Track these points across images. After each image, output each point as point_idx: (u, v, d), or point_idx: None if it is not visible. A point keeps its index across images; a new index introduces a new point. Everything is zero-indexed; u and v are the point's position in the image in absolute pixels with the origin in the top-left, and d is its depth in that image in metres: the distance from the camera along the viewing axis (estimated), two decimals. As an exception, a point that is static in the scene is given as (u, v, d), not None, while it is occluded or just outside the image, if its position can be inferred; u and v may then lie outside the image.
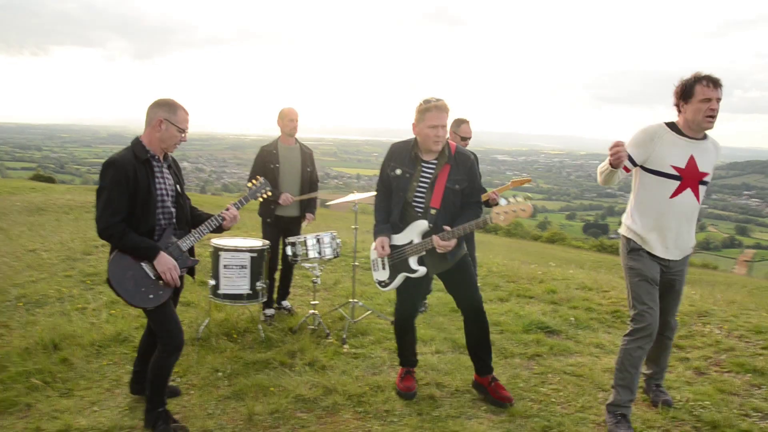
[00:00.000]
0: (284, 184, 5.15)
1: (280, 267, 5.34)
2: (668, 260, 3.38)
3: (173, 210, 3.30)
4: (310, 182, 5.30)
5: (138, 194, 3.08)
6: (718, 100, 3.18)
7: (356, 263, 5.29)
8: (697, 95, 3.18)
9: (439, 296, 5.94)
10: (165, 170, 3.27)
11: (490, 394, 3.65)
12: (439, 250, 3.49)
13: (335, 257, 4.92)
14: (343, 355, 4.40)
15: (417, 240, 3.64)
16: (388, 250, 3.68)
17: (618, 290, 6.51)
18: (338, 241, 4.92)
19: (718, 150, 3.40)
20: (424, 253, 3.63)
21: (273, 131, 5.44)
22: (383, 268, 3.84)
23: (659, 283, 3.39)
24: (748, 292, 8.71)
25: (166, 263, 3.14)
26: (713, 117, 3.19)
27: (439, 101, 3.50)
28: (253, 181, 3.72)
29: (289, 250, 4.87)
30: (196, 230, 3.37)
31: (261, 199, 3.73)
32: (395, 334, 3.99)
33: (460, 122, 5.35)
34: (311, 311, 5.01)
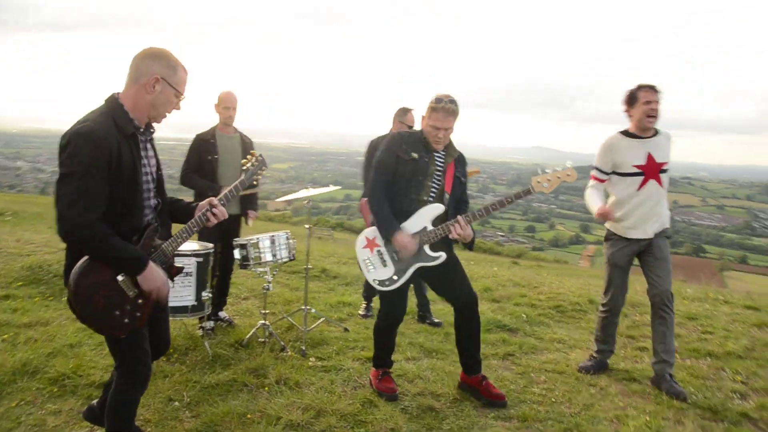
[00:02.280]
0: (224, 178, 4.52)
1: (217, 273, 4.68)
2: (640, 239, 3.84)
3: (157, 202, 2.56)
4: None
5: (121, 181, 2.28)
6: (657, 102, 3.73)
7: (309, 266, 4.78)
8: (641, 99, 3.74)
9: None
10: (149, 147, 2.51)
11: (483, 394, 3.46)
12: (456, 236, 3.27)
13: (291, 260, 4.39)
14: (311, 369, 3.90)
15: (430, 226, 3.37)
16: (416, 245, 3.36)
17: (549, 286, 6.63)
18: (293, 241, 4.40)
19: (669, 139, 3.90)
20: (437, 240, 3.35)
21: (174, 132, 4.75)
22: (384, 265, 3.45)
23: (643, 258, 3.89)
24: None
25: (154, 279, 2.38)
26: (654, 117, 3.73)
27: (450, 105, 3.32)
28: (248, 156, 2.91)
29: (237, 254, 4.25)
30: (183, 230, 2.58)
31: (256, 183, 3.02)
32: (378, 337, 3.67)
33: (405, 111, 5.10)
34: (261, 322, 4.42)
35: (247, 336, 4.33)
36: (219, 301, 4.73)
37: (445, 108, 3.31)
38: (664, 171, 3.82)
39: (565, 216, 68.53)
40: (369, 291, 5.35)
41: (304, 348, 4.22)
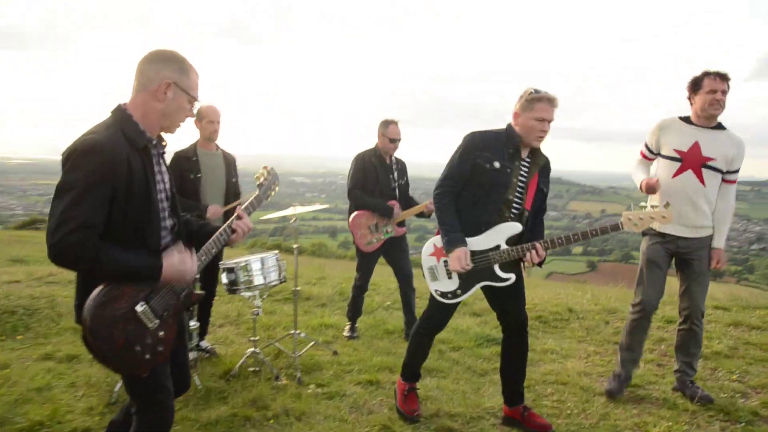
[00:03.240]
0: (207, 198, 4.25)
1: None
2: (675, 237, 3.61)
3: (173, 222, 2.30)
4: (234, 195, 4.45)
5: (134, 200, 2.05)
6: (724, 92, 3.50)
7: (298, 288, 4.56)
8: (705, 87, 3.51)
9: (363, 319, 5.40)
10: (162, 162, 2.27)
11: (527, 425, 3.25)
12: (533, 261, 3.06)
13: (282, 282, 4.15)
14: (313, 398, 3.68)
15: (504, 245, 3.12)
16: (470, 264, 3.08)
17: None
18: (283, 263, 4.17)
19: (735, 144, 3.59)
20: (511, 260, 3.13)
21: (44, 153, 4.41)
22: (448, 278, 3.23)
23: (681, 264, 3.72)
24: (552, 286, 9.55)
25: (179, 266, 2.11)
26: (718, 106, 3.51)
27: (547, 92, 3.08)
28: (262, 170, 2.71)
29: (225, 278, 3.98)
30: (205, 248, 2.36)
31: (271, 195, 2.81)
32: (415, 344, 3.50)
33: (386, 123, 4.96)
34: (251, 350, 4.15)
35: (237, 365, 4.05)
36: (201, 330, 4.41)
37: (549, 98, 3.05)
38: (710, 167, 3.53)
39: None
40: (354, 311, 5.17)
41: (299, 375, 3.99)
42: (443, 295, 3.27)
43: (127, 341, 2.06)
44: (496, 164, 3.11)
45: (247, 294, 4.05)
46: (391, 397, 3.66)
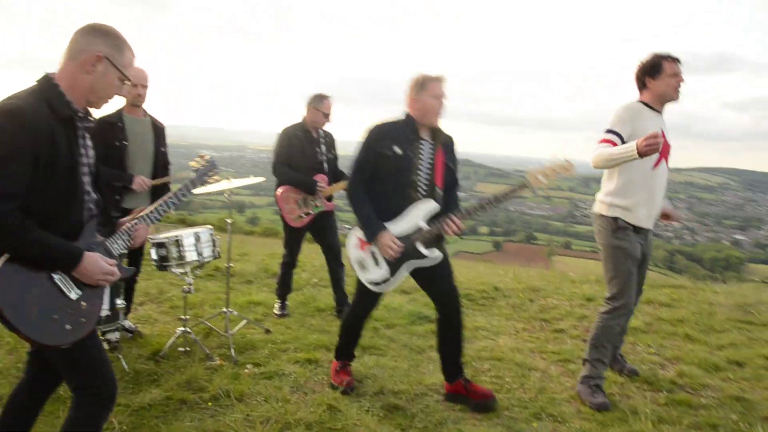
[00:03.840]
0: (134, 167, 3.93)
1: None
2: (646, 230, 3.49)
3: (98, 197, 2.17)
4: (163, 166, 4.14)
5: (57, 172, 1.92)
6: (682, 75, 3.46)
7: (231, 264, 4.35)
8: (666, 70, 3.40)
9: (291, 296, 5.27)
10: (87, 137, 2.12)
11: (471, 397, 3.29)
12: (449, 233, 3.13)
13: (215, 258, 3.94)
14: (251, 378, 3.53)
15: (424, 224, 3.19)
16: (399, 245, 3.16)
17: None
18: (218, 238, 3.95)
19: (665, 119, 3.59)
20: (433, 237, 3.19)
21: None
22: (376, 265, 3.27)
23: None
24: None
25: (95, 271, 2.01)
26: (679, 88, 3.44)
27: (441, 74, 3.25)
28: (197, 159, 2.66)
29: (154, 253, 3.72)
30: (125, 228, 2.26)
31: (206, 183, 2.70)
32: (348, 327, 3.56)
33: (321, 98, 4.83)
34: (180, 329, 3.92)
35: (167, 345, 3.82)
36: (125, 309, 4.11)
37: (439, 77, 3.24)
38: (669, 151, 3.50)
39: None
40: (284, 288, 5.03)
41: (234, 354, 3.83)
42: (375, 284, 3.33)
43: (43, 310, 1.92)
44: (397, 150, 3.23)
45: (179, 271, 3.82)
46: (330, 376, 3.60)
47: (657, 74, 3.43)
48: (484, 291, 6.03)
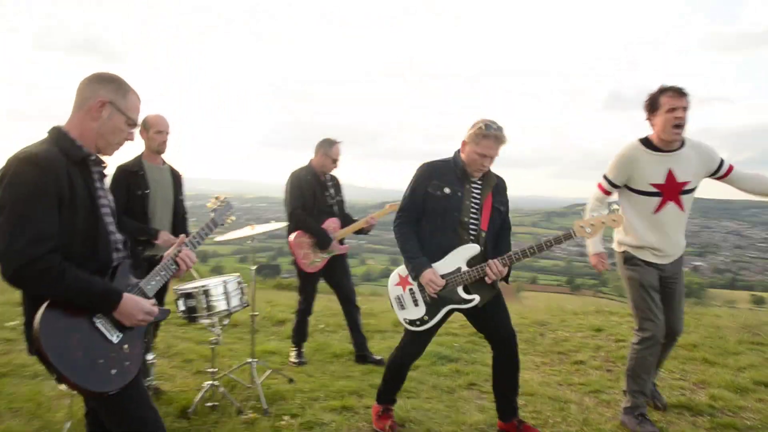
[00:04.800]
0: (155, 218, 3.84)
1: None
2: (663, 264, 3.45)
3: (124, 238, 2.22)
4: (182, 217, 4.06)
5: (78, 213, 1.96)
6: (684, 108, 3.20)
7: (256, 313, 4.24)
8: (663, 106, 3.21)
9: (318, 343, 5.18)
10: (103, 182, 2.18)
11: None
12: (492, 278, 3.10)
13: (244, 307, 3.83)
14: (292, 430, 3.41)
15: (464, 267, 3.18)
16: (442, 282, 3.16)
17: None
18: (244, 286, 3.86)
19: (699, 153, 3.36)
20: (473, 281, 3.18)
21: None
22: (415, 305, 3.26)
23: (660, 289, 3.45)
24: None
25: (135, 311, 2.00)
26: (680, 126, 3.22)
27: (500, 132, 3.18)
28: (213, 200, 2.71)
29: (182, 304, 3.60)
30: (160, 268, 2.25)
31: (226, 223, 2.71)
32: (392, 371, 3.49)
33: (331, 143, 4.87)
34: (209, 383, 3.77)
35: (195, 401, 3.66)
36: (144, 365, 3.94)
37: (496, 135, 3.15)
38: (687, 192, 3.36)
39: (375, 250, 71.37)
40: (300, 336, 4.92)
41: (266, 407, 3.69)
42: (412, 323, 3.32)
43: (88, 355, 1.89)
44: (447, 190, 3.25)
45: (206, 321, 3.70)
46: (371, 422, 3.51)
47: (656, 110, 3.28)
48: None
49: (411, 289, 3.30)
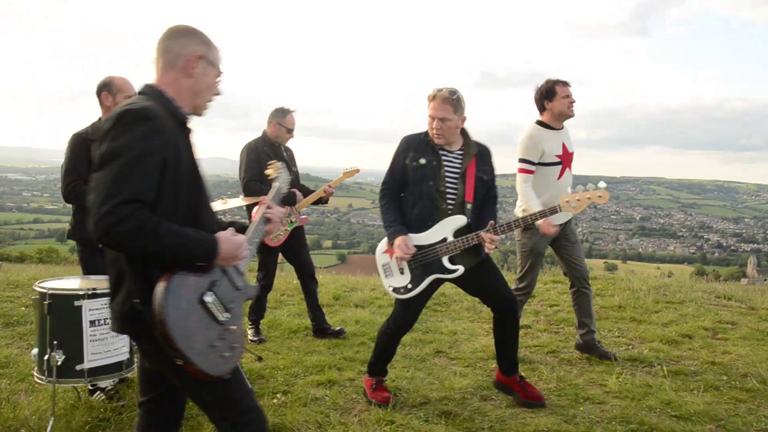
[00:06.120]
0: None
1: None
2: (563, 223, 4.11)
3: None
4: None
5: (183, 179, 1.83)
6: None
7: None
8: (559, 93, 4.02)
9: (269, 320, 5.06)
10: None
11: (520, 394, 3.44)
12: (489, 246, 3.18)
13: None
14: (287, 408, 3.33)
15: (451, 237, 3.25)
16: (413, 249, 3.22)
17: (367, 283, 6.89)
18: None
19: (569, 131, 4.24)
20: (459, 251, 3.24)
21: None
22: (400, 273, 3.31)
23: (559, 242, 4.20)
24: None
25: (231, 243, 1.84)
26: (572, 106, 4.05)
27: (446, 93, 3.19)
28: (270, 164, 2.61)
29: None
30: (254, 228, 2.13)
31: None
32: (383, 343, 3.55)
33: (284, 112, 4.76)
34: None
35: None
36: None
37: (441, 96, 3.19)
38: (572, 159, 4.18)
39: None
40: (258, 313, 4.77)
41: (250, 386, 3.56)
42: (396, 290, 3.39)
43: (204, 338, 1.77)
44: (422, 161, 3.32)
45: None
46: (361, 394, 3.54)
47: (552, 97, 4.03)
48: (433, 298, 6.21)
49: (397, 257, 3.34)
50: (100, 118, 3.52)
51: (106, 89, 3.44)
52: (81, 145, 3.38)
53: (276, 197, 2.38)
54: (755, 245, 68.39)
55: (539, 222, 3.83)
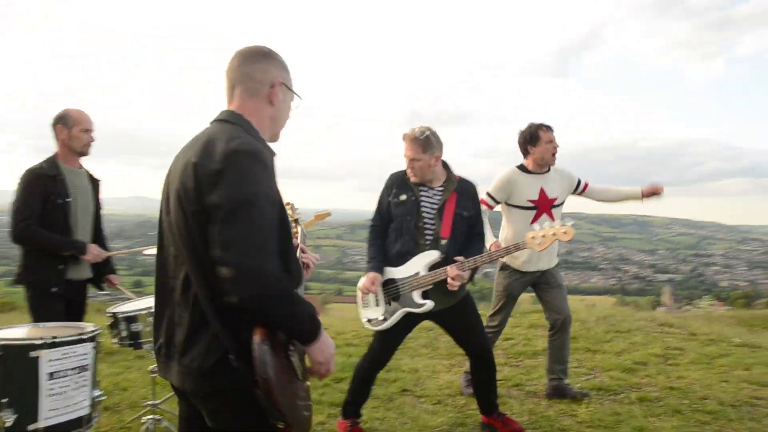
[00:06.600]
0: (78, 230, 3.28)
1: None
2: (536, 272, 4.09)
3: None
4: (99, 230, 3.52)
5: (281, 225, 1.69)
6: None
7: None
8: (543, 139, 3.99)
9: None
10: None
11: (502, 430, 3.50)
12: (452, 282, 3.15)
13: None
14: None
15: (423, 272, 3.25)
16: (376, 287, 3.32)
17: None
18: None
19: (562, 175, 4.16)
20: (431, 286, 3.24)
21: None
22: (376, 305, 3.35)
23: (540, 286, 4.18)
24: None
25: (329, 345, 1.73)
26: (556, 153, 4.05)
27: (415, 133, 3.25)
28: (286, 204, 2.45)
29: (124, 329, 3.11)
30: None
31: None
32: (360, 379, 3.52)
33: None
34: (149, 417, 3.31)
35: (137, 440, 3.19)
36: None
37: (409, 136, 3.26)
38: (556, 206, 4.08)
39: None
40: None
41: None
42: (370, 321, 3.43)
43: (292, 395, 1.65)
44: (403, 197, 3.38)
45: (148, 347, 3.25)
46: (338, 437, 3.43)
47: (536, 142, 4.01)
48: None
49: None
50: (56, 153, 3.30)
51: (62, 122, 3.25)
52: (35, 181, 3.15)
53: (304, 240, 2.30)
54: (669, 275, 72.69)
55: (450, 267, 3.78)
